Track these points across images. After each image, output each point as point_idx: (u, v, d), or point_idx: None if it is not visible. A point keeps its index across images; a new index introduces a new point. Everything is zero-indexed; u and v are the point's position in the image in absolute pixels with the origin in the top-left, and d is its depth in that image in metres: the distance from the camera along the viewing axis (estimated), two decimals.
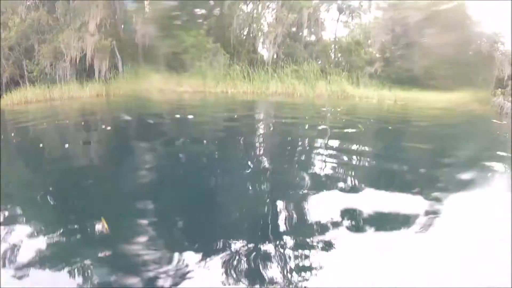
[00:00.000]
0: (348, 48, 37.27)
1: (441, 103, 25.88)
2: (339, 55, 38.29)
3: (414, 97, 27.43)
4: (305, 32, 39.05)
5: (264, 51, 34.06)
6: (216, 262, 3.65)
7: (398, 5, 35.66)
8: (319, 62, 35.49)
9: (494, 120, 18.69)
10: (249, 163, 7.72)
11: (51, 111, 19.28)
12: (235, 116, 15.53)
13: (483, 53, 39.02)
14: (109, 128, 12.40)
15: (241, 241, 4.08)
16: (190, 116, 14.32)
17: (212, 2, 31.66)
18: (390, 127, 13.82)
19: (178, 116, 14.63)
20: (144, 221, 4.60)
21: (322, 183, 6.16)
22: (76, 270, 3.47)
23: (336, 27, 39.44)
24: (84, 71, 27.68)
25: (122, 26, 29.84)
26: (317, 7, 36.12)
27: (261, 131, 12.12)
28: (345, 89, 27.41)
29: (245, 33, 33.15)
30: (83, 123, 14.11)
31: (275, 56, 36.37)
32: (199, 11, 32.18)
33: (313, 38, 38.51)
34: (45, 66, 27.43)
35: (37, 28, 28.32)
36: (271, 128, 12.36)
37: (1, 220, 4.63)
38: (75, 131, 12.12)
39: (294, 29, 36.98)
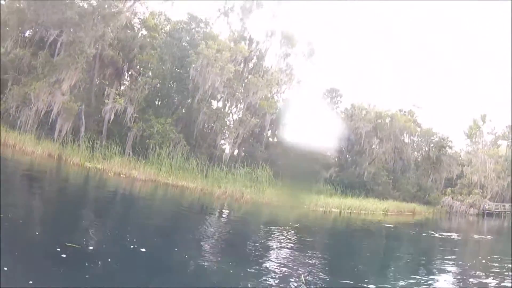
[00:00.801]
0: (306, 154, 39.27)
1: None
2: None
3: (361, 205, 28.53)
4: (269, 133, 41.30)
5: (226, 147, 35.18)
6: None
7: (353, 116, 38.78)
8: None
9: None
10: None
11: None
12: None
13: (432, 158, 42.49)
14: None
15: None
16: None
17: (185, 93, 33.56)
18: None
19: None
20: None
21: None
22: None
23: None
24: (45, 126, 27.71)
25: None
26: (279, 113, 38.35)
27: None
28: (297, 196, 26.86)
29: (209, 128, 34.53)
30: None
31: (235, 153, 37.95)
32: (175, 98, 34.11)
33: (274, 140, 40.46)
34: (11, 107, 27.25)
35: (17, 66, 28.72)
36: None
37: None
38: None
39: (258, 129, 38.98)
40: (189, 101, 33.47)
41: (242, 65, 36.40)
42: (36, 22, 30.06)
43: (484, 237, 20.10)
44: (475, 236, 19.28)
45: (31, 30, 31.59)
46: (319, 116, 43.88)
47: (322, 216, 22.65)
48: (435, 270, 9.07)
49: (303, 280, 6.38)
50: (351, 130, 38.18)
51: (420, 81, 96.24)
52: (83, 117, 29.21)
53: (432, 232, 18.99)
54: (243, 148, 37.38)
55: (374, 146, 39.48)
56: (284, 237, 11.73)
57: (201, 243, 9.55)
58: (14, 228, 6.96)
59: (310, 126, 43.40)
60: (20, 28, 30.80)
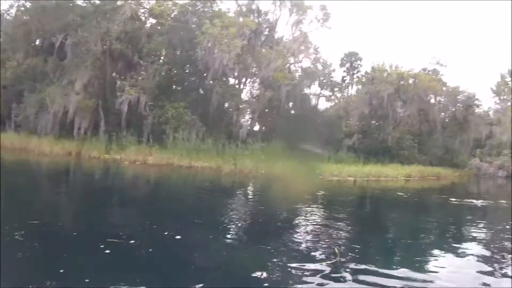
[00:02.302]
0: (329, 122, 38.46)
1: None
2: (321, 128, 39.46)
3: (382, 171, 27.64)
4: (290, 105, 40.65)
5: (244, 123, 35.02)
6: None
7: (374, 80, 37.35)
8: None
9: None
10: None
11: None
12: None
13: (458, 118, 40.30)
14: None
15: None
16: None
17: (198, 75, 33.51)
18: None
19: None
20: None
21: None
22: None
23: (318, 101, 41.15)
24: (65, 126, 29.03)
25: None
26: (298, 83, 37.53)
27: None
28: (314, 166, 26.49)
29: (224, 107, 34.32)
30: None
31: (256, 129, 37.67)
32: (187, 82, 34.16)
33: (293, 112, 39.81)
34: (30, 114, 28.96)
35: (31, 75, 30.42)
36: None
37: None
38: None
39: (278, 103, 38.23)
40: (202, 82, 33.40)
41: (252, 39, 35.71)
42: (42, 30, 31.57)
43: None
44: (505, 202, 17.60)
45: (39, 40, 32.84)
46: (339, 83, 42.93)
47: (336, 185, 21.96)
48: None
49: (338, 253, 6.33)
50: (372, 94, 36.84)
51: (443, 38, 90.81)
52: (101, 112, 30.30)
53: (457, 199, 17.61)
54: (263, 123, 37.11)
55: (397, 110, 37.92)
56: (294, 214, 11.44)
57: (224, 224, 9.47)
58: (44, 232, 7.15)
59: (331, 94, 42.60)
60: (28, 39, 32.62)
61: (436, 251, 7.66)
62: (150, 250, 6.44)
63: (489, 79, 72.24)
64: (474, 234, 9.69)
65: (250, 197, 16.91)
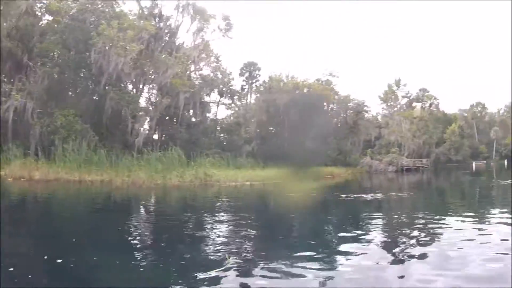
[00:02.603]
0: (229, 129, 39.28)
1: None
2: (221, 135, 40.11)
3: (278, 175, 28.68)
4: (190, 113, 40.53)
5: (142, 132, 33.75)
6: None
7: (271, 89, 39.10)
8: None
9: None
10: None
11: None
12: None
13: (349, 123, 44.84)
14: None
15: None
16: None
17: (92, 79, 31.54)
18: None
19: None
20: None
21: None
22: None
23: (217, 109, 41.77)
24: None
25: None
26: (197, 91, 37.56)
27: None
28: (208, 173, 25.71)
29: (120, 114, 32.63)
30: None
31: (156, 137, 36.87)
32: (80, 87, 31.87)
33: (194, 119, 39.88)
34: None
35: None
36: None
37: None
38: None
39: (178, 110, 37.75)
40: (96, 87, 31.52)
41: (152, 44, 34.96)
42: None
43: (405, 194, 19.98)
44: (394, 194, 19.32)
45: None
46: (239, 91, 44.06)
47: (232, 191, 22.37)
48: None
49: (228, 259, 6.40)
50: (269, 103, 38.46)
51: (337, 51, 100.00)
52: None
53: (352, 194, 18.72)
54: (161, 132, 36.51)
55: (293, 116, 40.14)
56: (189, 224, 11.35)
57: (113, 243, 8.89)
58: None
59: (230, 102, 43.47)
60: None
61: (324, 249, 7.68)
62: (30, 276, 6.06)
63: (377, 88, 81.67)
64: (367, 225, 10.30)
65: (140, 210, 16.39)
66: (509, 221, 9.32)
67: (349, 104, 46.48)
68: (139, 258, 7.42)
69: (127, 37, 29.52)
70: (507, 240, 7.17)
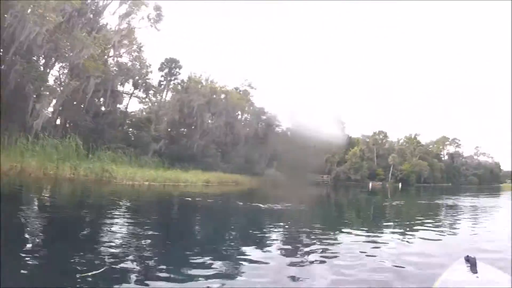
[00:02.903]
0: (138, 124, 37.76)
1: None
2: (129, 130, 38.38)
3: (182, 177, 28.38)
4: (101, 101, 38.21)
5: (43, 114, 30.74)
6: None
7: (188, 89, 38.48)
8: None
9: None
10: None
11: None
12: None
13: (259, 134, 46.10)
14: None
15: None
16: None
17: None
18: None
19: None
20: None
21: None
22: None
23: (129, 101, 39.91)
24: None
25: None
26: (109, 77, 35.54)
27: None
28: (106, 169, 24.50)
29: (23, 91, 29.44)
30: None
31: (58, 122, 34.05)
32: None
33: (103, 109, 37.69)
34: None
35: None
36: None
37: None
38: None
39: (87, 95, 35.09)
40: (4, 55, 27.98)
41: (74, 19, 32.34)
42: None
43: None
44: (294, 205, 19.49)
45: None
46: (155, 86, 42.62)
47: (126, 190, 21.13)
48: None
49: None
50: (184, 103, 37.85)
51: (257, 63, 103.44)
52: None
53: (256, 203, 18.49)
54: (64, 117, 33.79)
55: (207, 120, 40.18)
56: (74, 222, 10.15)
57: None
58: None
59: (145, 96, 41.87)
60: None
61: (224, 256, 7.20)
62: None
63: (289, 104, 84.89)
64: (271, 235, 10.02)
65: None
66: (397, 236, 9.97)
67: (262, 117, 47.83)
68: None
69: (48, 6, 26.96)
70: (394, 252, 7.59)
